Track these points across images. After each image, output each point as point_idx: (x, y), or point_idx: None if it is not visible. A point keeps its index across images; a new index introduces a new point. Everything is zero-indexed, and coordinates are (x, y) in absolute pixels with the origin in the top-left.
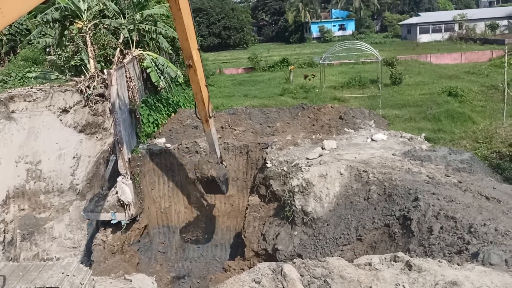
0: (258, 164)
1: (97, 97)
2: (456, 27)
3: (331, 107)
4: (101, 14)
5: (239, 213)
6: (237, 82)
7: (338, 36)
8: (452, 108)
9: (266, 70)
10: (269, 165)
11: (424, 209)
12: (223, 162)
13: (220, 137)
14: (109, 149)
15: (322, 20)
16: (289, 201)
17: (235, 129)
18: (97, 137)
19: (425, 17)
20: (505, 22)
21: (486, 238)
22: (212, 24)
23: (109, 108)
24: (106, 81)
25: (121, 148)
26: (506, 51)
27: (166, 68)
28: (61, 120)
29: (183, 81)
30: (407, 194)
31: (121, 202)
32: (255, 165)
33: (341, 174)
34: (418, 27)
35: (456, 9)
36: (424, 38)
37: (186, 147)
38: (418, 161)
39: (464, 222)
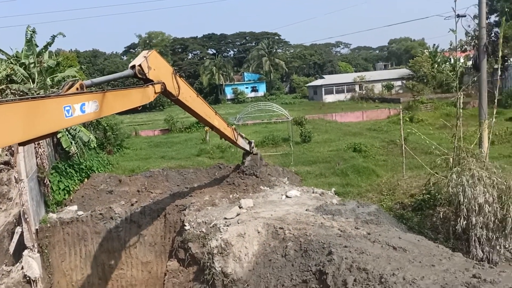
0: (176, 227)
1: (1, 165)
2: (357, 87)
3: None
4: (8, 79)
5: (158, 280)
6: (154, 144)
7: (251, 97)
8: (357, 163)
9: (183, 131)
10: (187, 227)
11: (338, 262)
12: (253, 149)
13: (136, 201)
14: (14, 220)
15: (235, 83)
16: (208, 264)
17: (152, 192)
18: (0, 208)
19: (329, 79)
20: (399, 82)
21: (396, 287)
22: (127, 85)
23: (14, 177)
24: (12, 148)
25: (28, 219)
26: (401, 109)
27: (78, 132)
28: None
29: (96, 145)
30: (322, 249)
31: (28, 278)
32: (173, 228)
33: (258, 232)
34: (323, 88)
35: (355, 71)
36: (329, 98)
37: (100, 214)
38: (330, 215)
39: (375, 273)
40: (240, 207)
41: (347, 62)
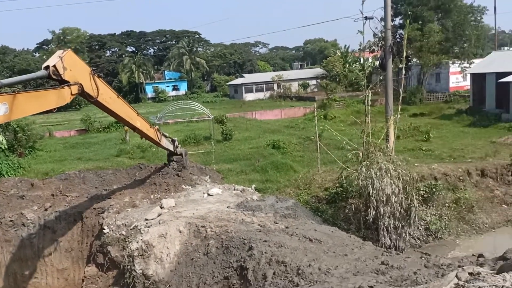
0: (95, 231)
1: None
2: (275, 86)
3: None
4: None
5: (75, 287)
6: (70, 145)
7: (172, 96)
8: (276, 159)
9: (101, 131)
10: (106, 230)
11: (258, 257)
12: (177, 149)
13: (50, 206)
14: None
15: (156, 81)
16: (129, 267)
17: (67, 196)
18: None
19: (249, 78)
20: (314, 81)
21: (312, 278)
22: (41, 85)
23: None
24: None
25: None
26: (315, 107)
27: None
28: None
29: (6, 147)
30: (243, 244)
31: None
32: (91, 232)
33: (180, 232)
34: (243, 87)
35: (274, 70)
36: (249, 97)
37: (11, 220)
38: (251, 211)
39: (293, 265)
40: (161, 207)
41: (266, 61)
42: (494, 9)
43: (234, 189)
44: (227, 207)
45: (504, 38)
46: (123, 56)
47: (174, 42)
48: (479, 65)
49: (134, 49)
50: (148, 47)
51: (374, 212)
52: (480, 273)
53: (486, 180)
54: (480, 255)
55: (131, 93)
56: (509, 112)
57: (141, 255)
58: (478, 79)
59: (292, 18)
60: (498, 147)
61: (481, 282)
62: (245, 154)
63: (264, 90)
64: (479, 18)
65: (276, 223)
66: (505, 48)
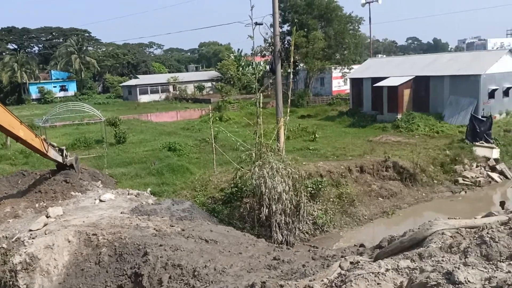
0: None
1: None
2: (171, 88)
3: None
4: None
5: None
6: None
7: (60, 97)
8: (172, 162)
9: None
10: None
11: (153, 262)
12: (67, 157)
13: None
14: None
15: (42, 81)
16: (11, 282)
17: None
18: None
19: (143, 79)
20: (209, 84)
21: (208, 278)
22: None
23: None
24: None
25: None
26: (210, 109)
27: None
28: None
29: None
30: (137, 250)
31: None
32: None
33: (69, 242)
34: (138, 88)
35: (169, 72)
36: (144, 98)
37: None
38: (146, 216)
39: (189, 267)
40: (47, 217)
41: (161, 63)
42: (369, 20)
43: (128, 194)
44: (121, 213)
45: (378, 47)
46: (3, 54)
47: (61, 40)
48: (357, 70)
49: (16, 47)
50: (32, 44)
51: (267, 210)
52: (359, 262)
53: (365, 175)
54: (361, 245)
55: (13, 94)
56: (383, 114)
57: (25, 269)
58: (356, 83)
59: (187, 21)
60: (374, 145)
61: (360, 270)
62: (140, 157)
63: (160, 91)
64: (357, 27)
65: (172, 226)
66: (379, 55)
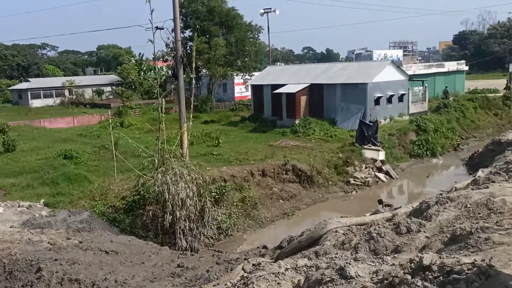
0: None
1: None
2: (67, 92)
3: None
4: None
5: None
6: None
7: None
8: (68, 170)
9: None
10: None
11: (48, 278)
12: None
13: None
14: None
15: None
16: None
17: None
18: None
19: (35, 82)
20: (109, 88)
21: None
22: None
23: None
24: None
25: None
26: (110, 115)
27: None
28: None
29: None
30: (30, 267)
31: None
32: None
33: None
34: (29, 92)
35: (65, 75)
36: (36, 103)
37: None
38: (39, 229)
39: (88, 281)
40: None
41: (55, 65)
42: (268, 29)
43: (19, 206)
44: (10, 227)
45: (277, 55)
46: None
47: None
48: (257, 77)
49: None
50: None
51: (170, 217)
52: (260, 263)
53: (266, 179)
54: (264, 247)
55: None
56: (282, 119)
57: None
58: (257, 90)
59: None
60: (275, 150)
61: (261, 271)
62: (32, 167)
63: (54, 96)
64: (256, 36)
65: (69, 238)
66: (278, 63)
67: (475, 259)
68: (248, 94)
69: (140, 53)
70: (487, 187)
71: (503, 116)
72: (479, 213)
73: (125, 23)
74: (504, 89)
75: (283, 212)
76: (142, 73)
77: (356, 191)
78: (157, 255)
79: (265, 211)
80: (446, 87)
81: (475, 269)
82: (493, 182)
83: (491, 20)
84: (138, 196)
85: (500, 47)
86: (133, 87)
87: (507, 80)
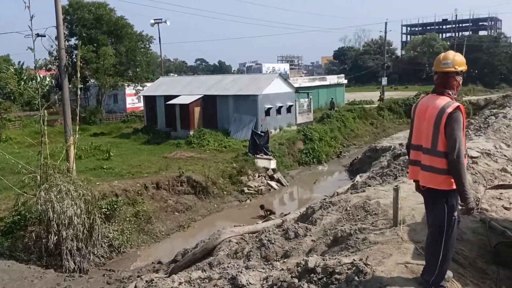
0: None
1: None
2: None
3: None
4: None
5: None
6: None
7: None
8: None
9: None
10: None
11: None
12: None
13: None
14: None
15: None
16: None
17: None
18: None
19: None
20: None
21: None
22: None
23: None
24: None
25: None
26: None
27: None
28: None
29: None
30: None
31: None
32: None
33: None
34: None
35: None
36: None
37: None
38: None
39: None
40: None
41: None
42: (159, 39)
43: None
44: None
45: (170, 66)
46: None
47: None
48: (150, 88)
49: None
50: None
51: (55, 237)
52: (153, 280)
53: (161, 191)
54: (159, 262)
55: None
56: (176, 131)
57: None
58: (150, 101)
59: None
60: (169, 162)
61: None
62: None
63: None
64: (147, 46)
65: None
66: (171, 74)
67: (354, 259)
68: (141, 105)
69: (20, 62)
70: (364, 191)
71: (378, 125)
72: (358, 215)
73: (2, 29)
74: (378, 100)
75: (179, 225)
76: (23, 82)
77: (250, 200)
78: (41, 279)
79: (160, 225)
80: (332, 98)
81: (354, 268)
82: (369, 186)
83: (366, 37)
84: (19, 217)
85: (373, 62)
86: (12, 97)
87: (380, 93)
